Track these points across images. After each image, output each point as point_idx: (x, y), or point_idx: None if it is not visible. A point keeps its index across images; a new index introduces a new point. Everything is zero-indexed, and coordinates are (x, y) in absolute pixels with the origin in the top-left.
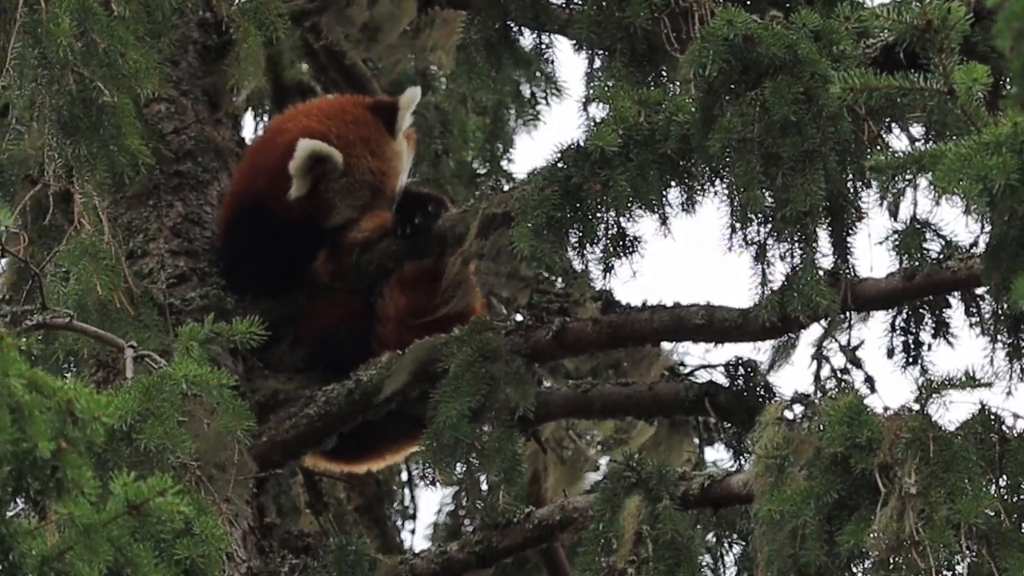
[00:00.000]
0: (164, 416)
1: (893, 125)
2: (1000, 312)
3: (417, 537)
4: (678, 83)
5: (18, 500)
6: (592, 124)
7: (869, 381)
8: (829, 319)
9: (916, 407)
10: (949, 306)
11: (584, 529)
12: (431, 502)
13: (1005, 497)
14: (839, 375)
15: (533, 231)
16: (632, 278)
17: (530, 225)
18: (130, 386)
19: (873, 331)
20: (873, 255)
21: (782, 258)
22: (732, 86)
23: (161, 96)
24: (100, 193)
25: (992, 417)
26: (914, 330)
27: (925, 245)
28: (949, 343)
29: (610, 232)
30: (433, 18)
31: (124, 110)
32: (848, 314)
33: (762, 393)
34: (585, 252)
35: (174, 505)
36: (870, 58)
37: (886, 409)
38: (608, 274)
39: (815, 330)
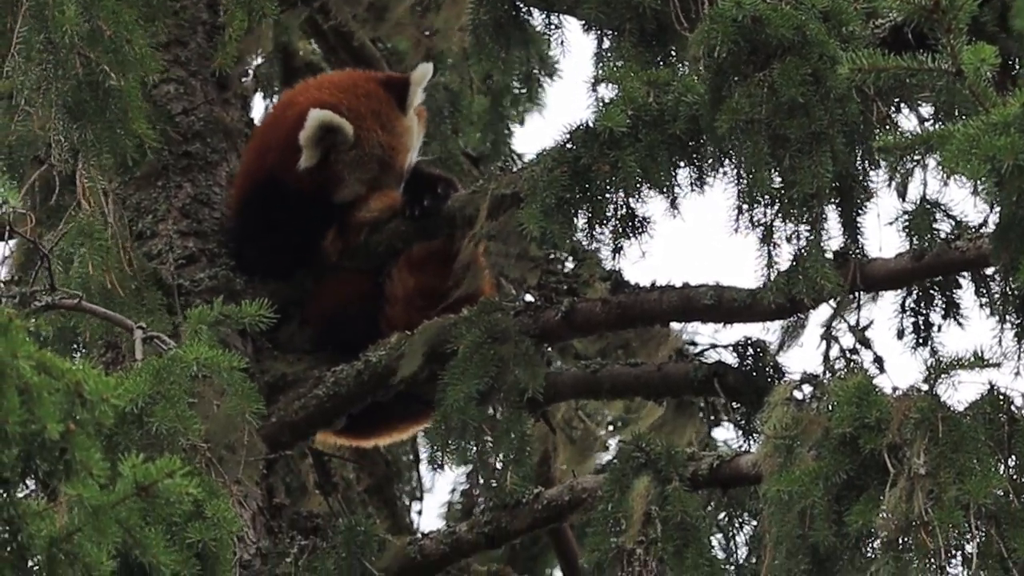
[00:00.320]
0: (175, 399)
1: (902, 105)
2: (1009, 292)
3: (426, 517)
4: (687, 64)
5: (27, 482)
6: (601, 105)
7: (878, 361)
8: (838, 300)
9: (925, 387)
10: (959, 286)
11: (593, 510)
12: (445, 481)
13: (1014, 477)
14: (848, 355)
15: (542, 212)
16: (641, 258)
17: (539, 206)
18: (141, 369)
19: (883, 312)
20: (883, 236)
21: (788, 240)
22: (741, 67)
23: (170, 77)
24: (106, 176)
25: (1001, 397)
26: (924, 311)
27: (935, 225)
28: (959, 324)
29: (619, 213)
30: None
31: (131, 93)
32: (857, 294)
33: (771, 373)
34: (594, 233)
35: (183, 487)
36: (879, 38)
37: (895, 389)
38: (617, 254)
39: (824, 310)
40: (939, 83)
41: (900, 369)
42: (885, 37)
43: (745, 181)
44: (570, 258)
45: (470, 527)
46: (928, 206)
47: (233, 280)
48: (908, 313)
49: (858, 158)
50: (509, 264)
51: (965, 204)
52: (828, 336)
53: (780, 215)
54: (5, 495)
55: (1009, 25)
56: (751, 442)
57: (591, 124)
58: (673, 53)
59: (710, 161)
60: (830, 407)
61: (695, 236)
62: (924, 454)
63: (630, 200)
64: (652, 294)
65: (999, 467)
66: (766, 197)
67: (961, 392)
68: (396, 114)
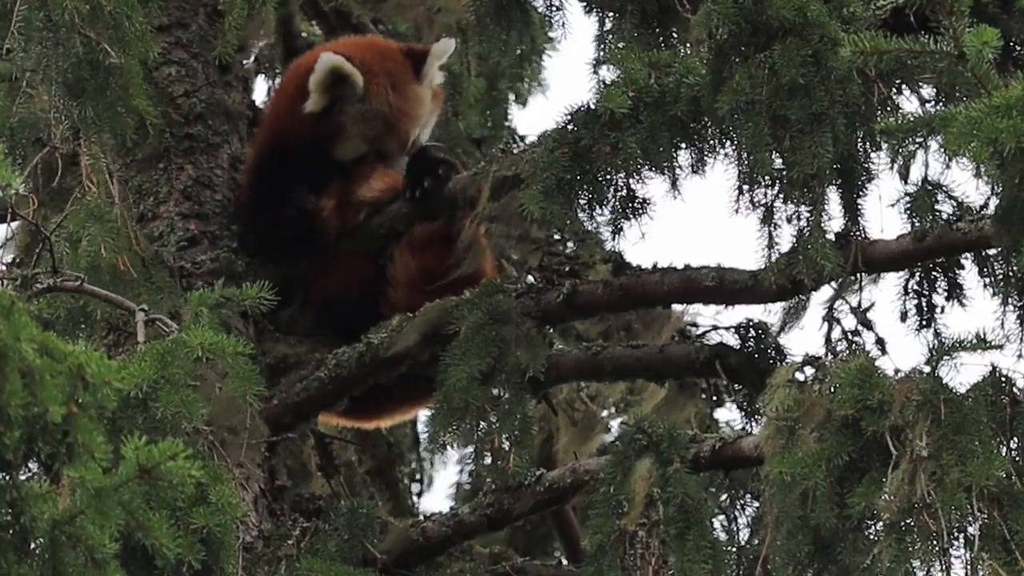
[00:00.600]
0: (179, 384)
1: (903, 86)
2: (1011, 274)
3: (427, 499)
4: (688, 45)
5: (30, 464)
6: (602, 86)
7: (880, 343)
8: (840, 281)
9: (927, 369)
10: (962, 268)
11: (595, 492)
12: (449, 463)
13: (1016, 459)
14: (850, 337)
15: (543, 193)
16: (641, 240)
17: (540, 187)
18: (145, 353)
19: (886, 294)
20: (884, 217)
21: (789, 221)
22: (742, 48)
23: (171, 59)
24: (107, 155)
25: (1003, 379)
26: (927, 293)
27: (937, 207)
28: (962, 305)
29: (619, 194)
30: None
31: (131, 71)
32: (858, 276)
33: (773, 355)
34: (594, 214)
35: (185, 469)
36: (880, 20)
37: (897, 371)
38: (617, 236)
39: (826, 292)
40: (940, 65)
41: (902, 351)
42: (886, 18)
43: (746, 162)
44: (571, 240)
45: (472, 509)
46: (930, 187)
47: (234, 262)
48: (911, 295)
49: (859, 140)
50: (510, 246)
51: (967, 185)
52: (830, 318)
53: (781, 196)
54: (8, 478)
55: (1011, 5)
56: (753, 424)
57: (592, 105)
58: (674, 35)
59: (711, 142)
60: (832, 389)
61: (696, 218)
62: (926, 436)
63: (630, 181)
64: (654, 276)
65: (1001, 449)
66: (767, 178)
67: (963, 374)
68: (410, 80)
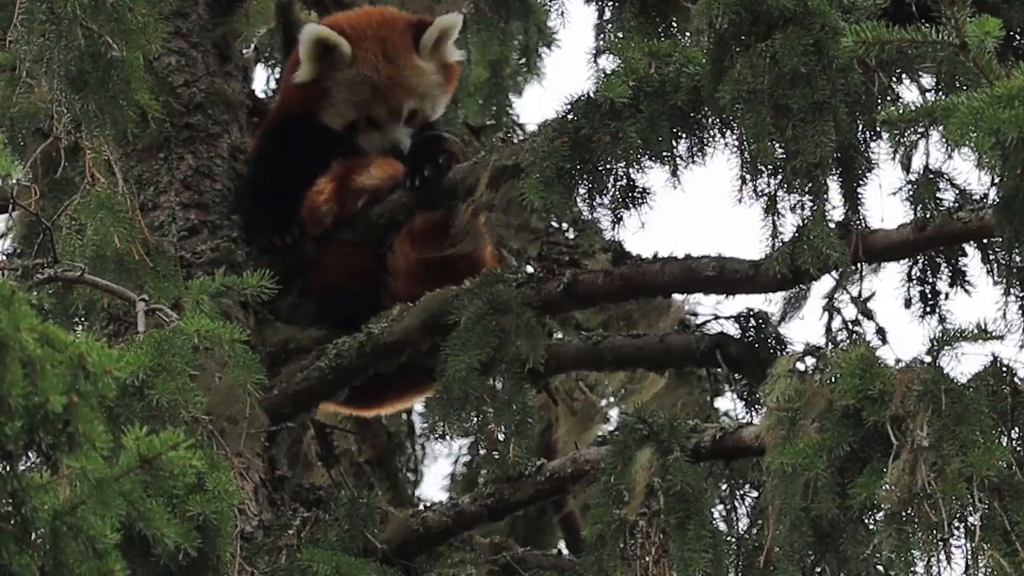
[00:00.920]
0: (176, 371)
1: (903, 76)
2: (1012, 265)
3: (425, 488)
4: (689, 34)
5: (30, 454)
6: (602, 76)
7: (881, 333)
8: (840, 271)
9: (928, 359)
10: (965, 254)
11: (595, 482)
12: (440, 455)
13: (1017, 449)
14: (851, 327)
15: (543, 182)
16: (641, 229)
17: (540, 176)
18: (142, 341)
19: (887, 282)
20: (885, 207)
21: (792, 210)
22: (742, 38)
23: (171, 49)
24: (109, 147)
25: (1004, 369)
26: (931, 279)
27: (939, 195)
28: (966, 291)
29: (619, 183)
30: None
31: (133, 64)
32: (859, 265)
33: (774, 345)
34: (594, 203)
35: (186, 459)
36: (880, 9)
37: (898, 361)
38: (617, 225)
39: (827, 282)
40: (941, 55)
41: (903, 341)
42: (887, 7)
43: (748, 151)
44: (572, 229)
45: (472, 499)
46: (931, 175)
47: (234, 252)
48: (915, 282)
49: (860, 129)
50: (510, 235)
51: (970, 174)
52: (830, 307)
53: (783, 185)
54: (8, 468)
55: None
56: (754, 414)
57: (592, 95)
58: (674, 24)
59: (711, 132)
60: (833, 379)
61: (696, 208)
62: (927, 426)
63: (630, 171)
64: (654, 265)
65: (1002, 439)
66: (769, 167)
67: (964, 364)
68: (407, 49)
